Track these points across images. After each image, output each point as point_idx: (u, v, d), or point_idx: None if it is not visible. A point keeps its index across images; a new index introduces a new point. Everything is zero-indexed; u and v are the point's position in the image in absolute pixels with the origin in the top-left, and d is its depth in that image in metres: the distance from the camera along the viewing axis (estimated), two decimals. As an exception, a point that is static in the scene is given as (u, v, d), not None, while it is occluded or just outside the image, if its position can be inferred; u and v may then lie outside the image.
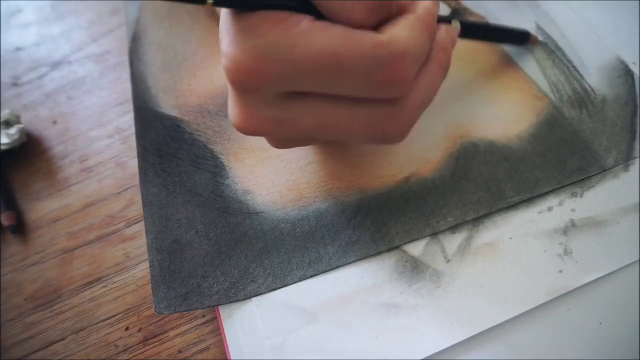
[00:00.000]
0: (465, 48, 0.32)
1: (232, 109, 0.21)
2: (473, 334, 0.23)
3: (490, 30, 0.30)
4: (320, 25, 0.18)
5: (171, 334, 0.26)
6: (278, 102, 0.20)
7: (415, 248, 0.25)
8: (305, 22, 0.18)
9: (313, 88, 0.19)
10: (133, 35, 0.36)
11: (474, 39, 0.28)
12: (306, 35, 0.18)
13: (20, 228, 0.31)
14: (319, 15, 0.19)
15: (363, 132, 0.21)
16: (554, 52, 0.31)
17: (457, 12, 0.34)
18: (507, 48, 0.31)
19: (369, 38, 0.18)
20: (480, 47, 0.32)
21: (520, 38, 0.31)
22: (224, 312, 0.25)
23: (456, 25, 0.24)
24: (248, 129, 0.21)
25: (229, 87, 0.20)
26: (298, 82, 0.19)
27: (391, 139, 0.22)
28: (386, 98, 0.20)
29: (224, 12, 0.19)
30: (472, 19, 0.33)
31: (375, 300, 0.24)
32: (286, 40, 0.18)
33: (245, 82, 0.19)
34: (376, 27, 0.19)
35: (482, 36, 0.29)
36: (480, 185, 0.26)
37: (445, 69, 0.23)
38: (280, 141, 0.24)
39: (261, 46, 0.18)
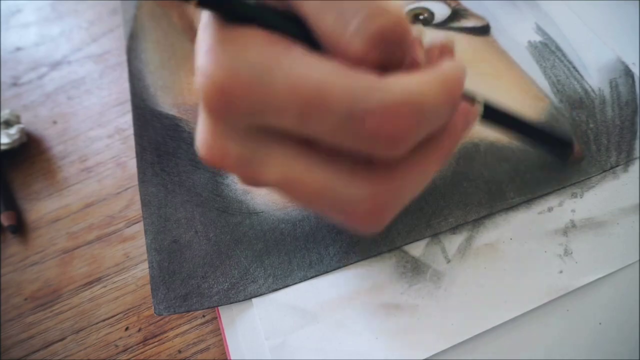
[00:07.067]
0: (465, 48, 0.32)
1: (199, 132, 0.18)
2: (473, 334, 0.23)
3: (520, 125, 0.24)
4: (313, 56, 0.16)
5: (171, 334, 0.26)
6: (248, 137, 0.17)
7: (416, 249, 0.25)
8: (297, 50, 0.16)
9: (289, 125, 0.16)
10: (131, 32, 0.36)
11: (497, 126, 0.23)
12: (293, 61, 0.16)
13: (20, 228, 0.31)
14: (316, 47, 0.17)
15: (332, 200, 0.18)
16: (554, 52, 0.31)
17: (457, 13, 0.34)
18: (509, 50, 0.31)
19: (365, 77, 0.16)
20: (480, 47, 0.31)
21: (559, 147, 0.26)
22: (224, 312, 0.25)
23: (479, 106, 0.20)
24: (211, 159, 0.18)
25: (200, 105, 0.18)
26: (273, 114, 0.16)
27: (361, 221, 0.18)
28: (372, 155, 0.17)
29: (205, 19, 0.17)
30: (472, 20, 0.33)
31: (375, 300, 0.24)
32: (270, 62, 0.16)
33: (217, 102, 0.16)
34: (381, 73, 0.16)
35: (508, 126, 0.23)
36: (481, 186, 0.26)
37: (446, 156, 0.19)
38: (247, 183, 0.19)
39: (241, 63, 0.16)
